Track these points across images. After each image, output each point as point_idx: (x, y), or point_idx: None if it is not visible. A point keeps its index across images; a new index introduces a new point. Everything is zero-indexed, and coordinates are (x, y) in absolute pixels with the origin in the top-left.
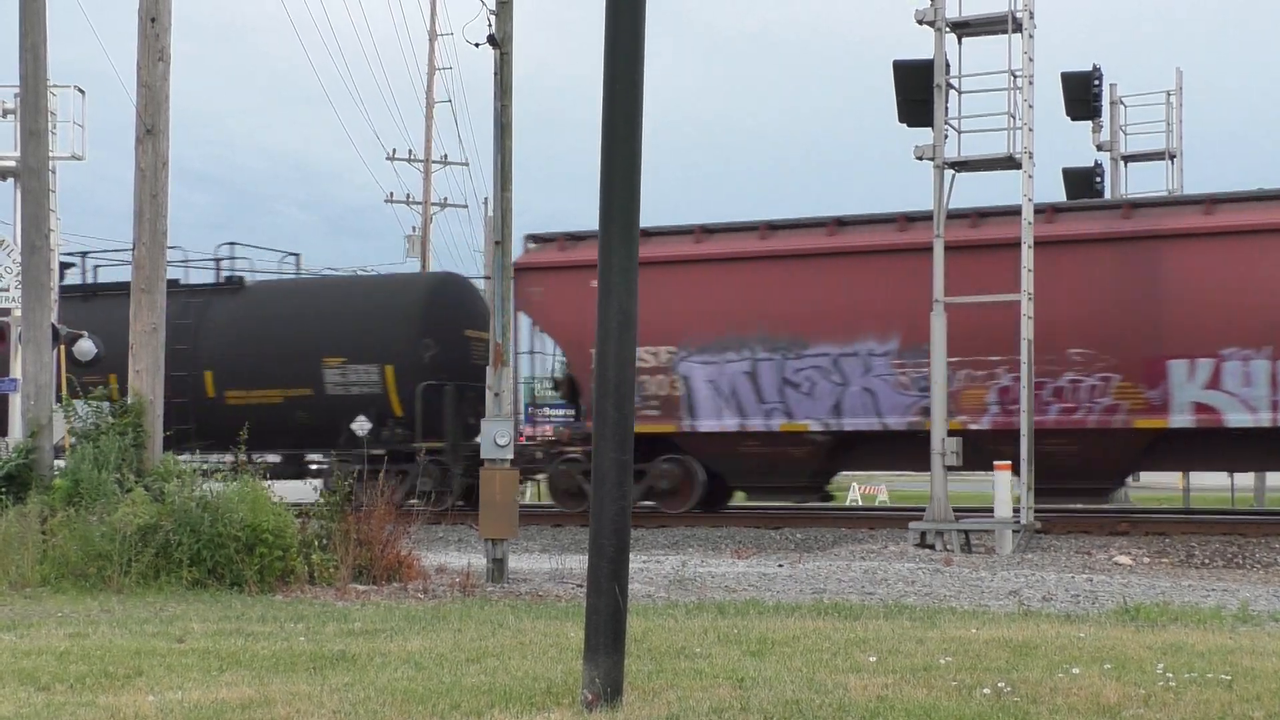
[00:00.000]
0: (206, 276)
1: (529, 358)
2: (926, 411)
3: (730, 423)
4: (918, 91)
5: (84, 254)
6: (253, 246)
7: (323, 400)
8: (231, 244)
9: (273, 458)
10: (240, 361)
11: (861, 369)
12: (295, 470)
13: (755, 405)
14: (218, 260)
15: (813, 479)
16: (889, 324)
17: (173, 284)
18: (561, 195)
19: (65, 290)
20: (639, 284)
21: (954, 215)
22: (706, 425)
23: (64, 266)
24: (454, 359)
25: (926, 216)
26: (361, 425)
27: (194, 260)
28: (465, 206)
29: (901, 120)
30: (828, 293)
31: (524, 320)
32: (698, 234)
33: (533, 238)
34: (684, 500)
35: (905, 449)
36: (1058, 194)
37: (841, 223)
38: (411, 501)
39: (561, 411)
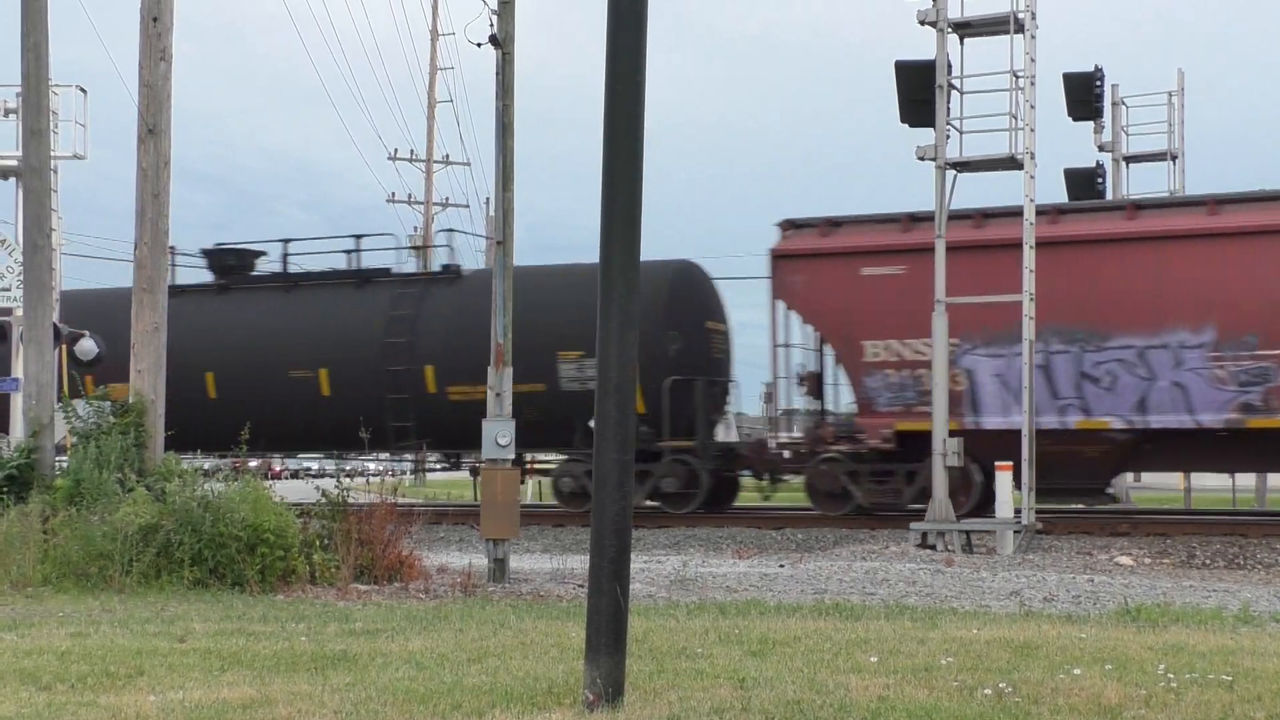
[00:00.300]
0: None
1: (785, 350)
2: (1247, 408)
3: (1019, 420)
4: (919, 92)
5: (285, 241)
6: (465, 233)
7: (556, 396)
8: (450, 230)
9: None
10: (463, 355)
11: (1171, 362)
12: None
13: (1048, 401)
14: (415, 249)
15: (1101, 479)
16: (1203, 314)
17: (384, 273)
18: (564, 195)
19: (264, 280)
20: (914, 272)
21: (1188, 203)
22: (992, 423)
23: (254, 255)
24: (697, 352)
25: (1241, 199)
26: None
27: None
28: (467, 206)
29: (903, 121)
30: (1130, 281)
31: (780, 310)
32: (977, 219)
33: (789, 223)
34: (959, 504)
35: (1218, 448)
36: (1059, 195)
37: (1139, 207)
38: (651, 503)
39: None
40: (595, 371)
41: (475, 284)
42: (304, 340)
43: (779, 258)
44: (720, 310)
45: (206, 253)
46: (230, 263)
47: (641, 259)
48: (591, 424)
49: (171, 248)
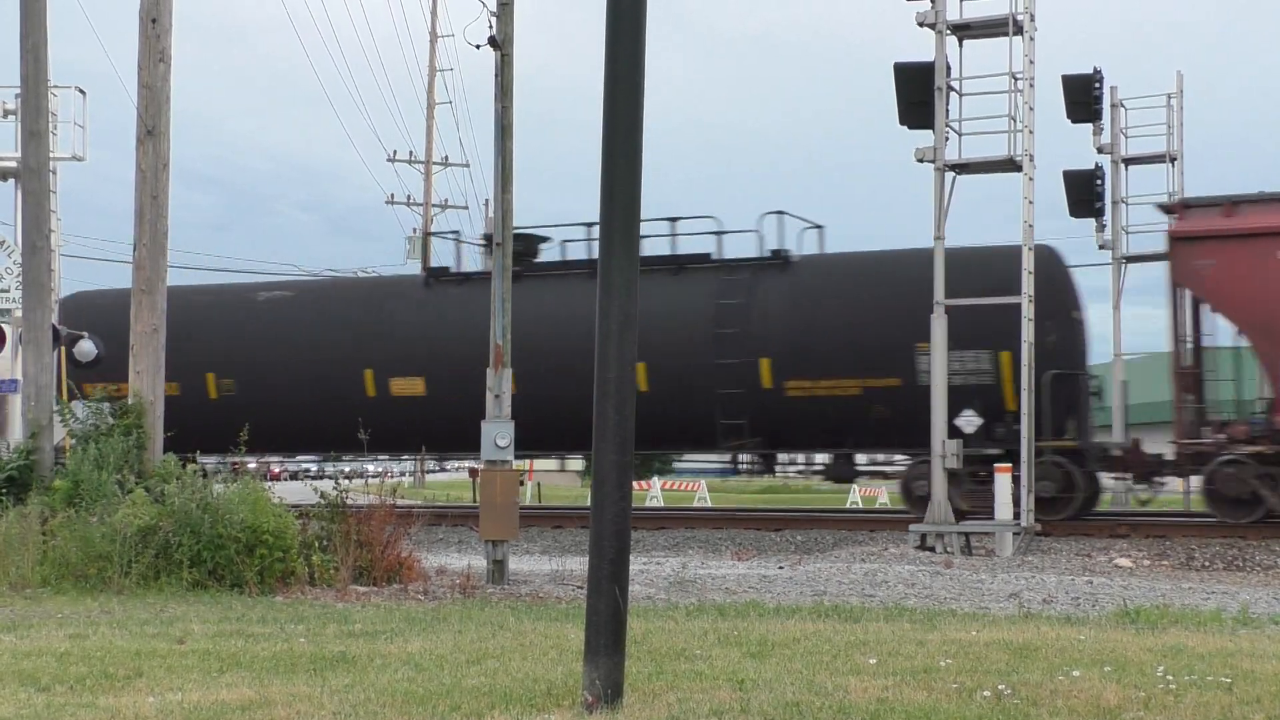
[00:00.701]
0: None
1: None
2: None
3: None
4: (918, 94)
5: (588, 225)
6: (794, 216)
7: (913, 392)
8: (779, 213)
9: (821, 457)
10: (804, 347)
11: None
12: (846, 472)
13: None
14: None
15: None
16: None
17: (703, 258)
18: (564, 196)
19: (562, 266)
20: None
21: None
22: None
23: (540, 239)
24: (1068, 344)
25: None
26: (970, 421)
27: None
28: (466, 208)
29: (902, 122)
30: None
31: (1186, 298)
32: None
33: (1184, 204)
34: None
35: None
36: (1058, 197)
37: None
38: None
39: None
40: (961, 365)
41: (807, 271)
42: None
43: (1180, 240)
44: (1079, 298)
45: (489, 238)
46: (518, 248)
47: (997, 245)
48: (958, 421)
49: (455, 233)
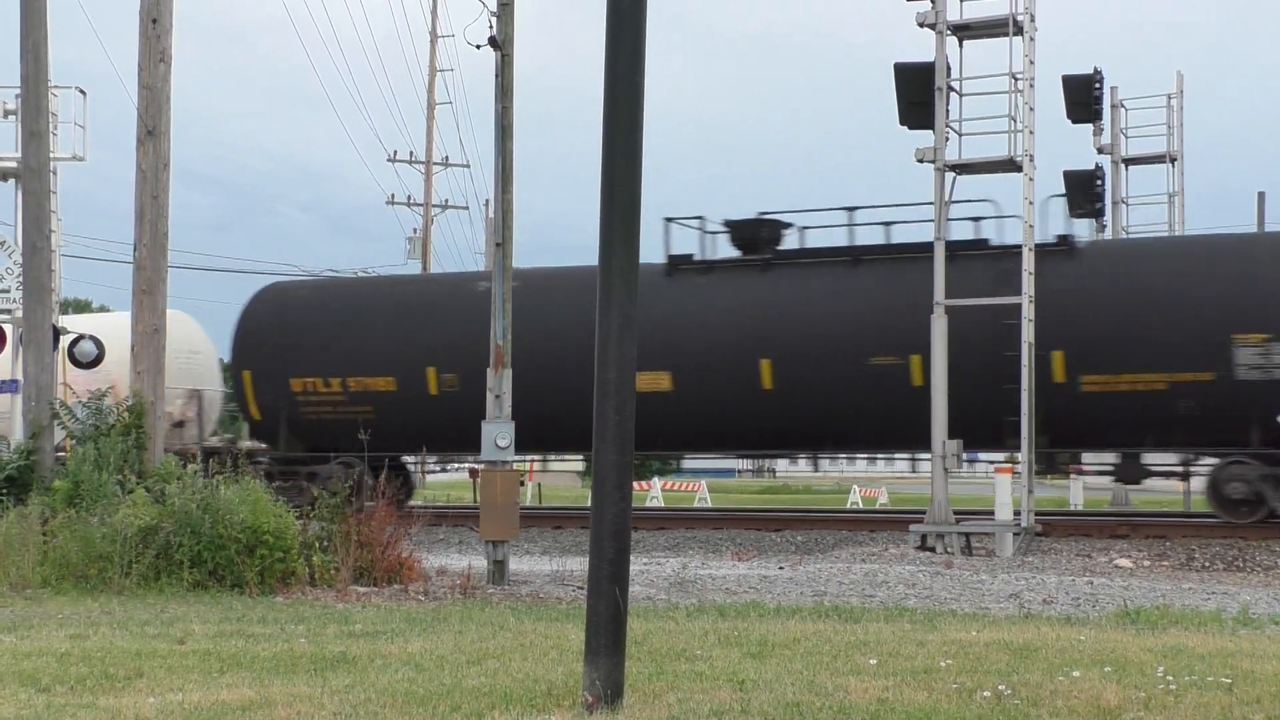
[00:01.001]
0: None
1: None
2: None
3: None
4: (919, 94)
5: (850, 209)
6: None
7: (1228, 387)
8: (1063, 196)
9: (1109, 456)
10: (1102, 340)
11: None
12: (1135, 472)
13: None
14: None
15: None
16: None
17: (979, 244)
18: (565, 196)
19: (820, 254)
20: None
21: None
22: None
23: (784, 225)
24: None
25: None
26: None
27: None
28: (466, 208)
29: (903, 123)
30: None
31: None
32: None
33: None
34: None
35: None
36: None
37: None
38: None
39: None
40: None
41: (1098, 257)
42: (885, 322)
43: None
44: None
45: (731, 224)
46: (763, 235)
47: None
48: None
49: (699, 218)
